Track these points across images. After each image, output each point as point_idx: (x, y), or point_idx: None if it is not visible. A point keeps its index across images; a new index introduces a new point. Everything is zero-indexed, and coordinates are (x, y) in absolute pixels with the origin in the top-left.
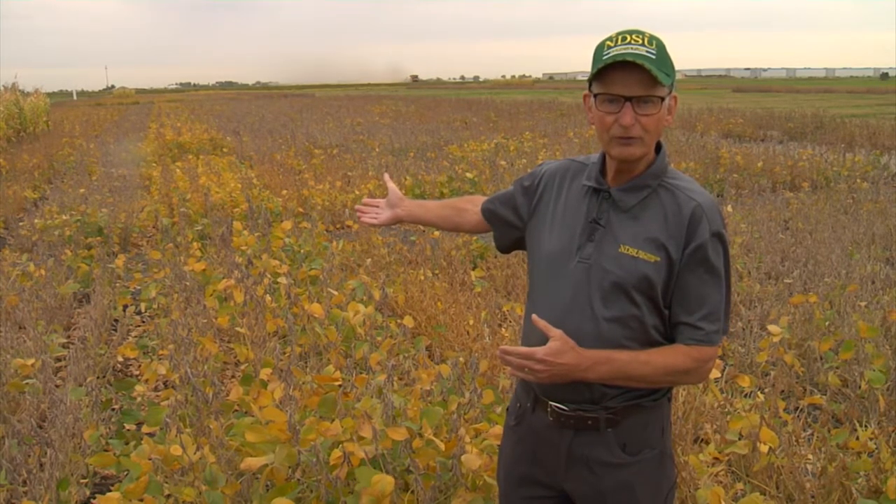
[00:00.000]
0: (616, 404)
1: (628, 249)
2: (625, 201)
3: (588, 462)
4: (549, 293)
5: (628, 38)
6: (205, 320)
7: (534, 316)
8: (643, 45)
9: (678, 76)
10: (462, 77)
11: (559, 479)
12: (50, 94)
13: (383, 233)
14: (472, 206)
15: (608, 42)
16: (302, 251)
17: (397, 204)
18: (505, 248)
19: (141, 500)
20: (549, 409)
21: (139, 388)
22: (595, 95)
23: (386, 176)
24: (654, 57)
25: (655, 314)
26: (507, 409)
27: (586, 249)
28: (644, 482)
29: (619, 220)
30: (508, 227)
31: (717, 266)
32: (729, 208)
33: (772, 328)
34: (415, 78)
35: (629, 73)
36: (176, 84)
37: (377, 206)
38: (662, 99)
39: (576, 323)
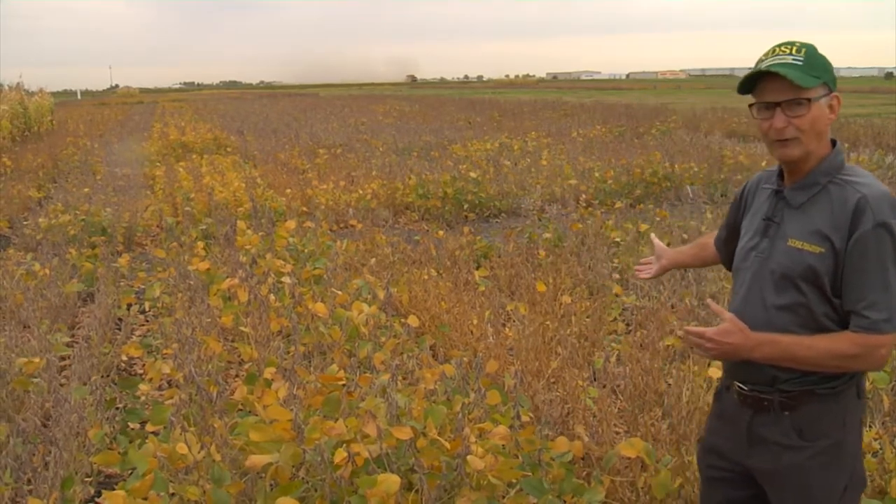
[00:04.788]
0: (790, 388)
1: (795, 242)
2: (795, 199)
3: (765, 441)
4: (735, 285)
5: (777, 50)
6: (209, 319)
7: (708, 299)
8: (790, 54)
9: (682, 75)
10: (466, 76)
11: (742, 455)
12: (54, 94)
13: (387, 233)
14: (711, 239)
15: (762, 56)
16: (306, 251)
17: (662, 255)
18: (730, 264)
19: (146, 499)
20: (735, 388)
21: (143, 386)
22: (752, 105)
23: (652, 235)
24: (800, 63)
25: (825, 302)
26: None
27: (762, 245)
28: (817, 469)
29: (791, 216)
30: (727, 243)
31: (882, 256)
32: None
33: None
34: (412, 78)
35: (774, 80)
36: (180, 84)
37: (649, 263)
38: (811, 100)
39: (750, 311)
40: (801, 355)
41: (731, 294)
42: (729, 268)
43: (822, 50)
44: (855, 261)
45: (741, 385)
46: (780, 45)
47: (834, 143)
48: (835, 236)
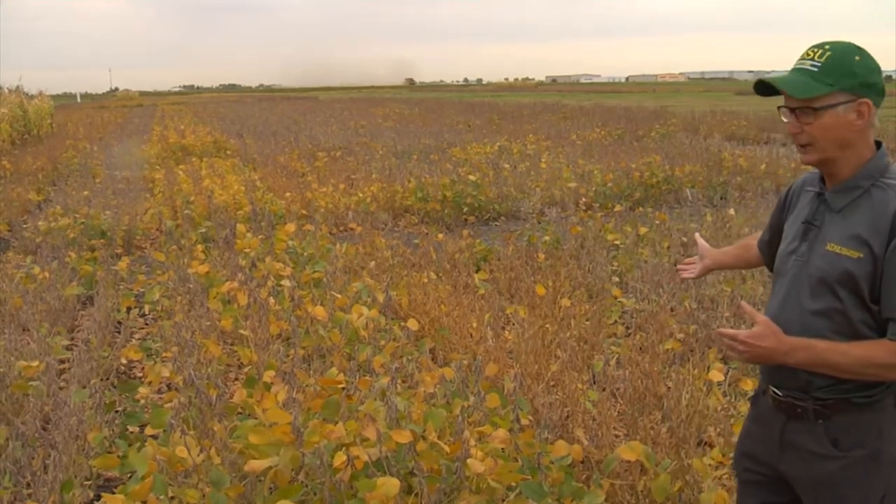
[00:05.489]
0: (825, 396)
1: (833, 247)
2: (836, 202)
3: (798, 449)
4: (774, 289)
5: (806, 54)
6: (208, 323)
7: (742, 302)
8: (811, 59)
9: (681, 78)
10: (465, 79)
11: (775, 460)
12: (54, 97)
13: (386, 236)
14: (755, 241)
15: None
16: (305, 254)
17: (706, 255)
18: (773, 266)
19: (145, 502)
20: (770, 393)
21: (143, 390)
22: (780, 108)
23: (696, 235)
24: (815, 69)
25: (862, 309)
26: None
27: (801, 249)
28: (850, 480)
29: (831, 220)
30: (770, 245)
31: None
32: (731, 211)
33: None
34: (411, 81)
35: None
36: (179, 86)
37: (693, 263)
38: (816, 109)
39: (787, 315)
40: (835, 362)
41: (770, 297)
42: (772, 270)
43: None
44: (894, 266)
45: (776, 389)
46: (811, 48)
47: (879, 145)
48: (874, 241)
